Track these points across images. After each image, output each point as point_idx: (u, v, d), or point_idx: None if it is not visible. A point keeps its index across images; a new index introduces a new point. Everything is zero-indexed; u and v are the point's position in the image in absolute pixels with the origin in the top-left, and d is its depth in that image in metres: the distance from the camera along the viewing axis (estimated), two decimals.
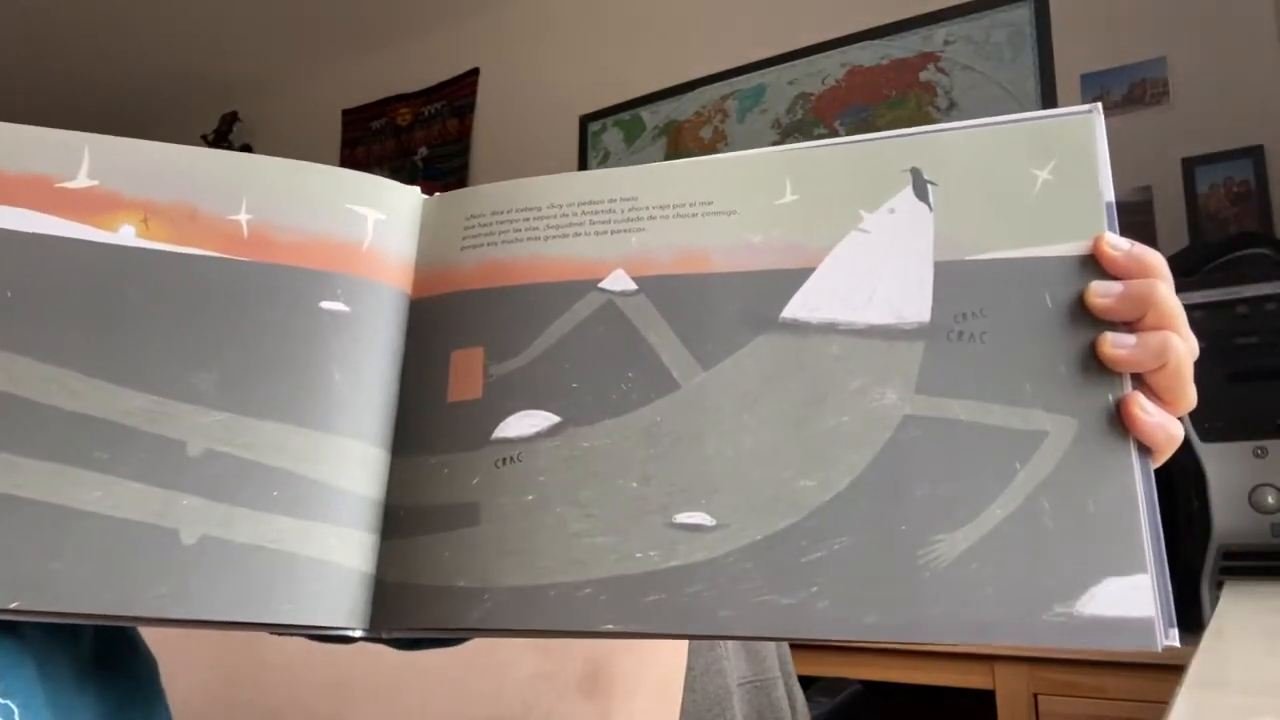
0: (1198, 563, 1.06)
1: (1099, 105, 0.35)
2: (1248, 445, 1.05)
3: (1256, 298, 1.08)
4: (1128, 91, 1.63)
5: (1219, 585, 1.04)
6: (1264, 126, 1.51)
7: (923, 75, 1.86)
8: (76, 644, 0.40)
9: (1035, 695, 1.11)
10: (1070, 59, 1.70)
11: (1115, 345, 0.32)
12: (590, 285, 0.37)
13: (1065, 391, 0.32)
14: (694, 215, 0.38)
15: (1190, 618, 1.05)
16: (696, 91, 2.15)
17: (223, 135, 2.94)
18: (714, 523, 0.33)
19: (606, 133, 2.29)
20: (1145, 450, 0.32)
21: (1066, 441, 0.32)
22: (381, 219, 0.39)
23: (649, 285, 0.37)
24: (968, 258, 0.35)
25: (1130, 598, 0.30)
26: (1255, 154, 1.50)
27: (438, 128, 2.65)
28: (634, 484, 0.34)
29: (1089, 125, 0.35)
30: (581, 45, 2.38)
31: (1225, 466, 1.06)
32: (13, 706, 0.35)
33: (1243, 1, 1.55)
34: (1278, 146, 1.50)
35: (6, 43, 2.72)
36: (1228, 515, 1.05)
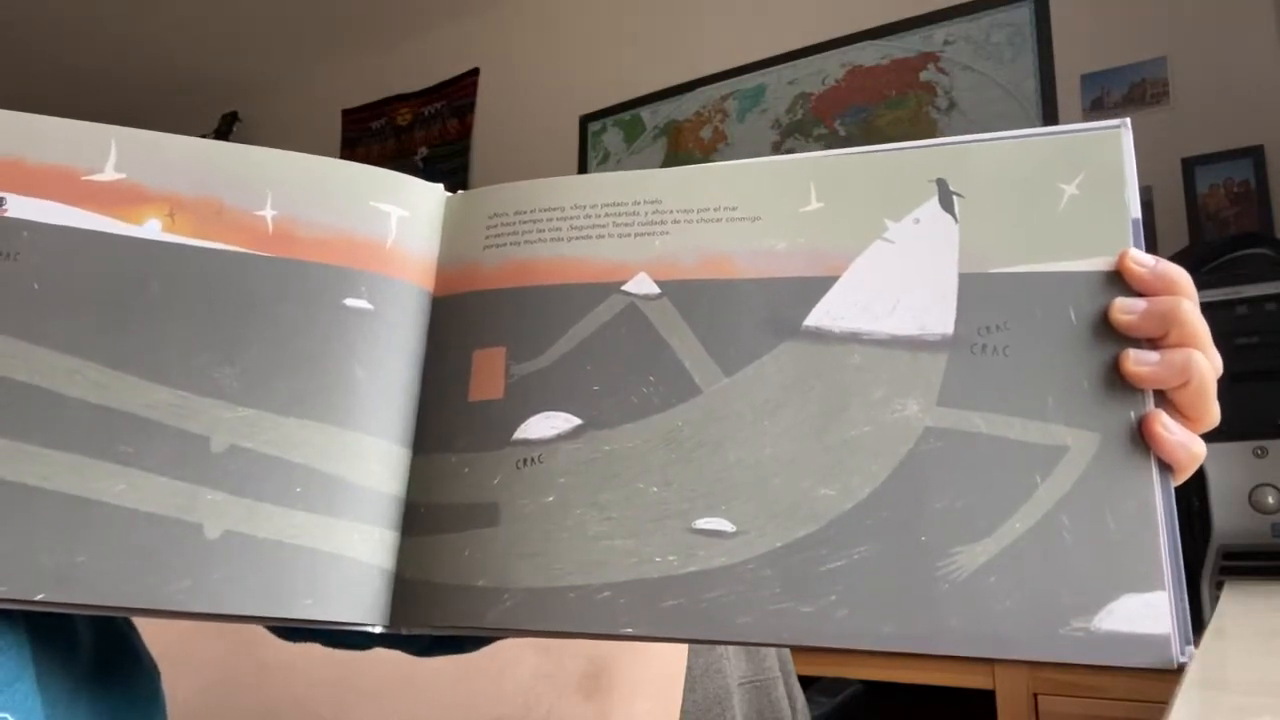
0: (1198, 563, 1.06)
1: (1128, 121, 0.35)
2: (1248, 445, 1.06)
3: (1256, 298, 1.08)
4: (1128, 91, 1.64)
5: (1219, 585, 1.04)
6: (1264, 126, 1.51)
7: (923, 75, 1.86)
8: (74, 654, 0.39)
9: (1035, 695, 1.12)
10: (1070, 59, 1.70)
11: (1138, 362, 0.32)
12: (613, 288, 0.37)
13: (1087, 407, 0.32)
14: (718, 220, 0.37)
15: (1190, 618, 1.05)
16: (696, 91, 2.15)
17: (223, 135, 2.94)
18: (734, 529, 0.33)
19: (606, 133, 2.29)
20: (1166, 468, 0.32)
21: (1088, 457, 0.32)
22: (405, 216, 0.39)
23: (672, 289, 0.37)
24: (992, 270, 0.34)
25: (1147, 615, 0.30)
26: (1255, 154, 1.51)
27: (438, 128, 2.65)
28: (654, 488, 0.34)
29: (1117, 140, 0.35)
30: (581, 45, 2.38)
31: (1225, 466, 1.06)
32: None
33: (1243, 1, 1.55)
34: (1278, 146, 1.50)
35: (5, 42, 2.72)
36: (1228, 515, 1.05)
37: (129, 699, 0.42)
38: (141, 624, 0.45)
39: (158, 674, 0.46)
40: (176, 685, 0.47)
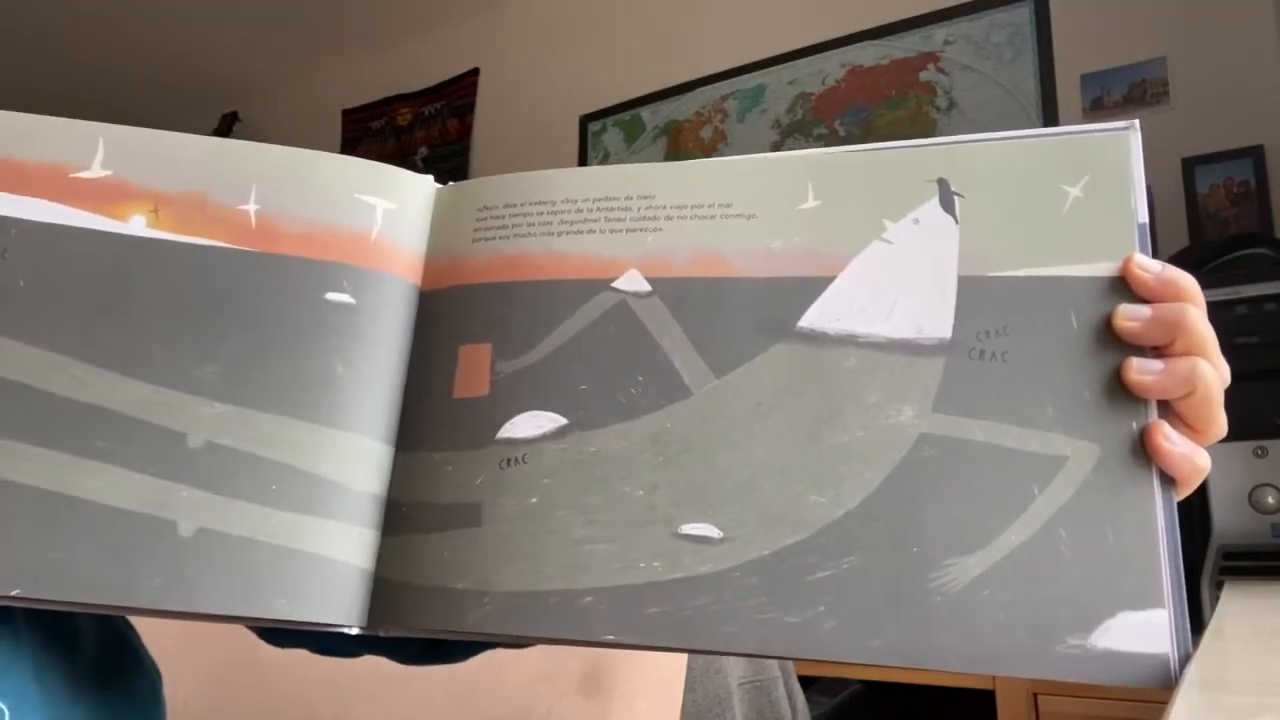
0: (1198, 563, 1.06)
1: (1136, 123, 0.34)
2: (1248, 445, 1.05)
3: (1256, 298, 1.08)
4: (1128, 91, 1.63)
5: (1219, 585, 1.04)
6: (1264, 126, 1.50)
7: (923, 75, 1.86)
8: (76, 652, 0.39)
9: (1035, 695, 1.11)
10: (1070, 59, 1.70)
11: (1141, 371, 0.31)
12: (603, 284, 0.36)
13: (1088, 416, 0.31)
14: (712, 217, 0.36)
15: (1190, 618, 1.05)
16: (696, 91, 2.15)
17: (223, 135, 2.94)
18: (721, 535, 0.33)
19: (606, 133, 2.29)
20: (1168, 481, 0.31)
21: (1087, 468, 0.31)
22: (391, 208, 0.39)
23: (663, 287, 0.36)
24: (992, 274, 0.33)
25: (1145, 633, 0.29)
26: (1255, 154, 1.50)
27: (438, 128, 2.65)
28: (640, 491, 0.34)
29: (1124, 143, 0.33)
30: (581, 45, 2.38)
31: (1225, 466, 1.06)
32: (4, 708, 0.34)
33: (1243, 2, 1.55)
34: (1278, 146, 1.50)
35: (6, 42, 2.72)
36: (1228, 515, 1.05)
37: (131, 700, 0.42)
38: (141, 624, 0.45)
39: (159, 676, 0.45)
40: (176, 685, 0.47)
